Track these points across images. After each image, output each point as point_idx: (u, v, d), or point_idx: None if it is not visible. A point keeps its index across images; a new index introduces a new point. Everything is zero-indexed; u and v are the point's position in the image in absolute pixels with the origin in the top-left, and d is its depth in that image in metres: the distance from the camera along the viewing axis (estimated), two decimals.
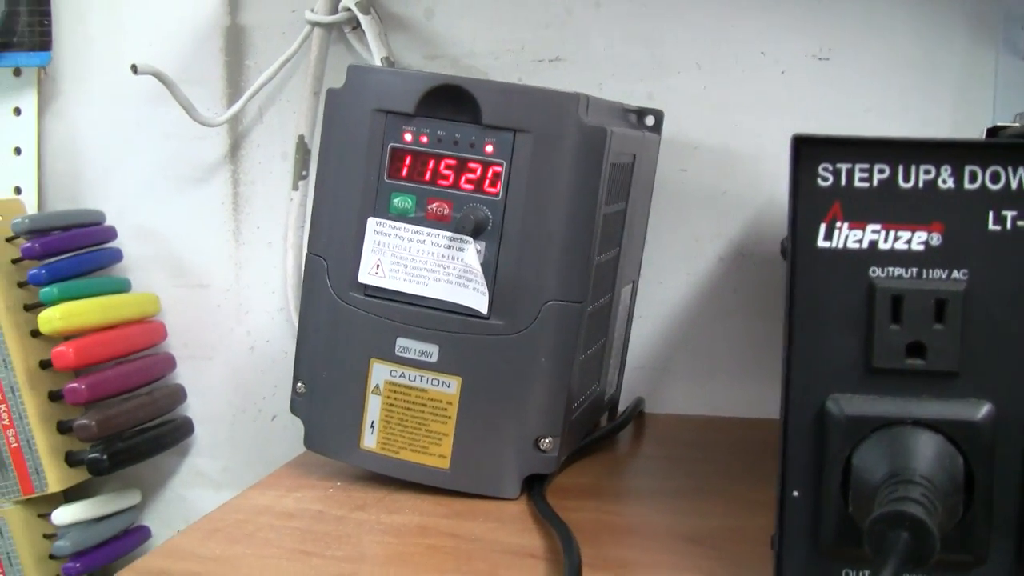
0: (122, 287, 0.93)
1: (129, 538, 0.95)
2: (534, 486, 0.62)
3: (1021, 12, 0.79)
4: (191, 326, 0.95)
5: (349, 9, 0.85)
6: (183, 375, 0.95)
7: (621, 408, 0.80)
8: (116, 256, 0.93)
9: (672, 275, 0.84)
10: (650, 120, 0.77)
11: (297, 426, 0.65)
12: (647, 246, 0.79)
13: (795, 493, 0.46)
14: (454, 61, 0.87)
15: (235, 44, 0.92)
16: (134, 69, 0.82)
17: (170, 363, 0.94)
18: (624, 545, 0.56)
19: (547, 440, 0.61)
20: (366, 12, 0.85)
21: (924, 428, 0.44)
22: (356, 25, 0.86)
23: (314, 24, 0.86)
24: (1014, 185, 0.43)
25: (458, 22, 0.87)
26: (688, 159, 0.83)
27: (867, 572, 0.46)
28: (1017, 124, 0.61)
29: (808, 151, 0.44)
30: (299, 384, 0.65)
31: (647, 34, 0.84)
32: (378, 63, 0.84)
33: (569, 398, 0.62)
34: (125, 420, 0.87)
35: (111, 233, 0.93)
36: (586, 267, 0.60)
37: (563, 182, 0.59)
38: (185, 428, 0.94)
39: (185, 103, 0.86)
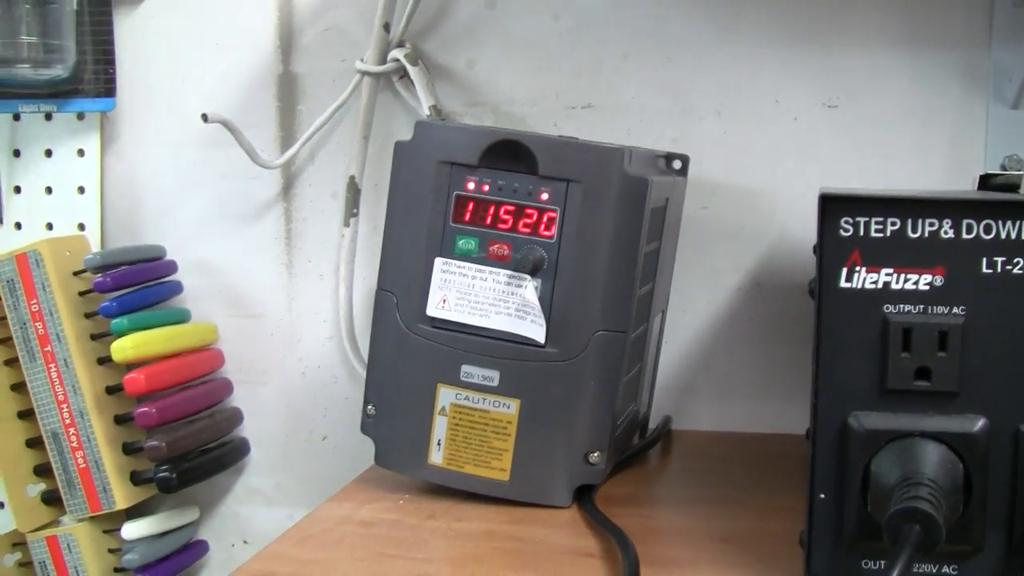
0: (183, 317, 1.00)
1: (189, 552, 1.01)
2: (584, 495, 0.70)
3: (1008, 64, 0.87)
4: (246, 353, 1.02)
5: (397, 60, 0.93)
6: (239, 399, 1.02)
7: (652, 426, 0.87)
8: (177, 288, 1.00)
9: (695, 304, 0.92)
10: (677, 164, 0.85)
11: (347, 446, 0.73)
12: (673, 278, 0.87)
13: (822, 496, 0.54)
14: (494, 108, 0.95)
15: (288, 91, 1.00)
16: (204, 118, 0.90)
17: (228, 388, 1.01)
18: (668, 545, 0.64)
19: (595, 454, 0.69)
20: (414, 63, 0.93)
21: (930, 439, 0.52)
22: (404, 74, 0.94)
23: (364, 73, 0.94)
24: (1003, 235, 0.52)
25: (498, 72, 0.95)
26: (710, 198, 0.91)
27: (882, 563, 0.54)
28: (1006, 171, 0.69)
29: (833, 206, 0.53)
30: (369, 407, 0.73)
31: (671, 83, 0.92)
32: (426, 111, 0.92)
33: (614, 417, 0.70)
34: (190, 441, 0.94)
35: (172, 267, 1.00)
36: (629, 301, 0.68)
37: (609, 226, 0.67)
38: (243, 448, 1.01)
39: (248, 148, 0.94)
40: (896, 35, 0.89)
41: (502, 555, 0.62)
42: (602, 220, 0.67)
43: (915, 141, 0.89)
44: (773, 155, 0.90)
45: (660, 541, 0.65)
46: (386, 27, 0.93)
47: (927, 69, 0.89)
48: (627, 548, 0.60)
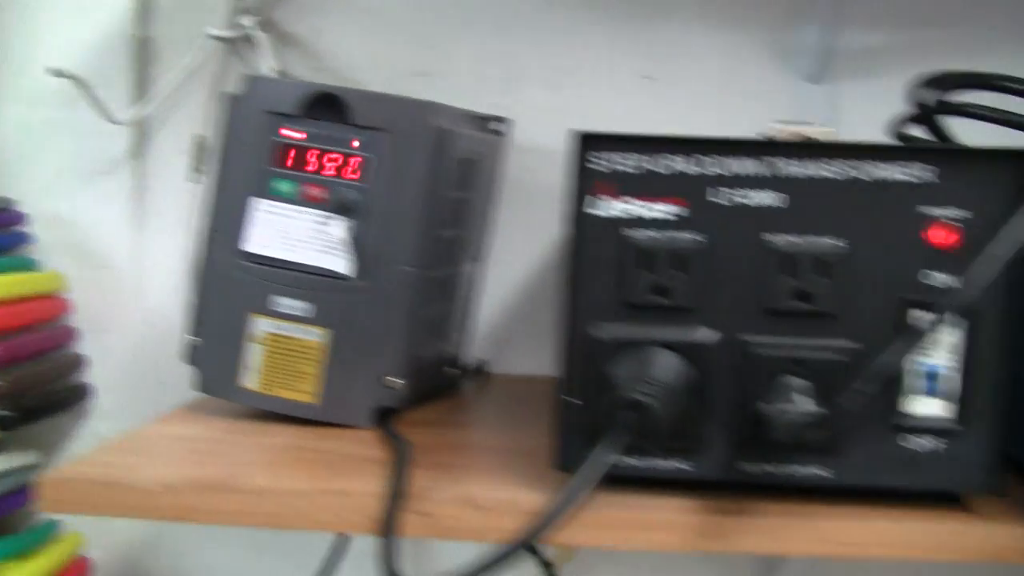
0: (28, 266, 1.04)
1: (24, 494, 1.04)
2: (385, 417, 0.76)
3: (811, 42, 0.96)
4: (95, 304, 1.06)
5: (245, 26, 0.99)
6: (89, 348, 1.06)
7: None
8: (24, 239, 1.04)
9: (517, 258, 1.00)
10: (495, 125, 0.91)
11: (192, 394, 0.78)
12: (501, 232, 0.94)
13: (570, 398, 0.61)
14: (336, 73, 1.01)
15: (143, 54, 1.05)
16: (57, 73, 0.94)
17: (71, 334, 1.05)
18: (448, 454, 0.71)
19: (394, 380, 0.76)
20: (261, 30, 0.98)
21: (663, 347, 0.59)
22: (252, 40, 1.00)
23: (214, 38, 1.00)
24: (728, 172, 0.59)
25: (342, 40, 1.01)
26: (535, 161, 0.98)
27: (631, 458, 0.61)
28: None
29: (585, 143, 0.60)
30: (191, 336, 0.78)
31: (504, 54, 0.99)
32: (270, 74, 0.98)
33: (412, 345, 0.76)
34: (31, 381, 0.98)
35: (19, 218, 1.04)
36: (430, 242, 0.75)
37: (414, 173, 0.74)
38: (85, 392, 1.05)
39: (98, 103, 0.98)
40: (709, 13, 0.97)
41: (300, 461, 0.68)
42: (408, 167, 0.74)
43: (725, 113, 0.97)
44: (594, 122, 0.96)
45: (442, 452, 0.71)
46: None
47: (737, 44, 0.97)
48: (403, 450, 0.66)
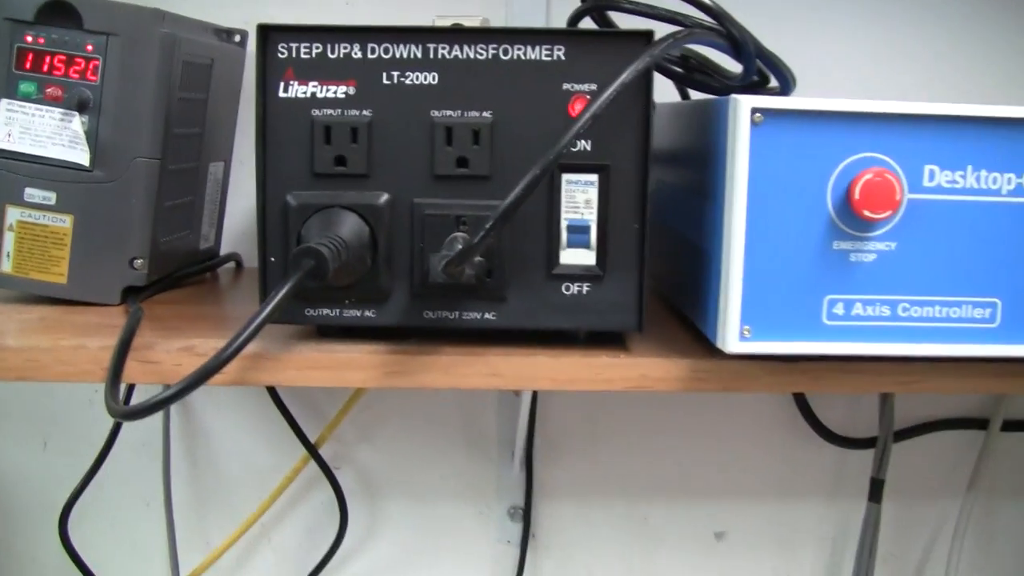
0: None
1: None
2: (131, 295, 0.85)
3: None
4: None
5: None
6: None
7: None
8: None
9: None
10: (237, 37, 1.00)
11: None
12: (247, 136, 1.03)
13: (272, 259, 0.71)
14: None
15: None
16: None
17: None
18: (182, 320, 0.80)
19: (139, 261, 0.85)
20: None
21: (347, 210, 0.70)
22: None
23: None
24: (396, 55, 0.70)
25: None
26: None
27: (323, 309, 0.72)
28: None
29: (270, 36, 0.70)
30: None
31: None
32: None
33: (155, 231, 0.85)
34: None
35: None
36: (165, 137, 0.84)
37: (145, 72, 0.82)
38: None
39: None
40: None
41: (47, 327, 0.76)
42: (137, 68, 0.82)
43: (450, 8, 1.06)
44: None
45: (176, 319, 0.80)
46: None
47: None
48: (135, 314, 0.75)
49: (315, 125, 0.70)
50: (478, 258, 0.67)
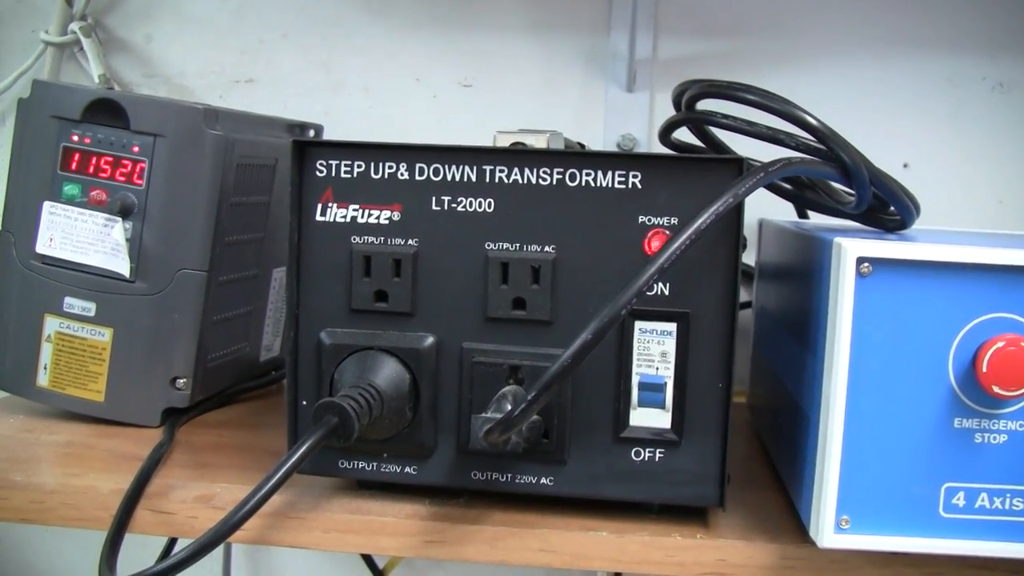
0: None
1: None
2: (174, 417, 0.78)
3: (623, 50, 0.98)
4: None
5: (75, 32, 1.00)
6: None
7: None
8: None
9: None
10: (312, 132, 0.93)
11: None
12: None
13: (303, 402, 0.63)
14: (167, 80, 1.03)
15: None
16: None
17: None
18: (216, 454, 0.73)
19: (181, 380, 0.77)
20: (87, 35, 1.00)
21: (385, 353, 0.61)
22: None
23: (47, 43, 1.02)
24: (448, 177, 0.61)
25: (171, 47, 1.03)
26: None
27: (359, 462, 0.63)
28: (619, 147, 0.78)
29: (308, 151, 0.62)
30: None
31: (325, 61, 1.01)
32: (96, 80, 0.99)
33: (201, 347, 0.78)
34: None
35: None
36: (210, 243, 0.76)
37: (194, 176, 0.76)
38: None
39: None
40: (527, 22, 0.99)
41: (63, 456, 0.70)
42: (185, 172, 0.75)
43: (542, 119, 0.98)
44: (413, 129, 0.99)
45: (209, 451, 0.73)
46: (69, 1, 1.00)
47: (554, 53, 0.99)
48: (156, 450, 0.68)
49: (354, 254, 0.61)
50: (534, 417, 0.57)
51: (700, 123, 0.70)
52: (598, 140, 0.98)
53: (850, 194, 0.69)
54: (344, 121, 0.98)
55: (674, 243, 0.54)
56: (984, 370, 0.54)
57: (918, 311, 0.55)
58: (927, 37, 0.97)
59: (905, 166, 0.97)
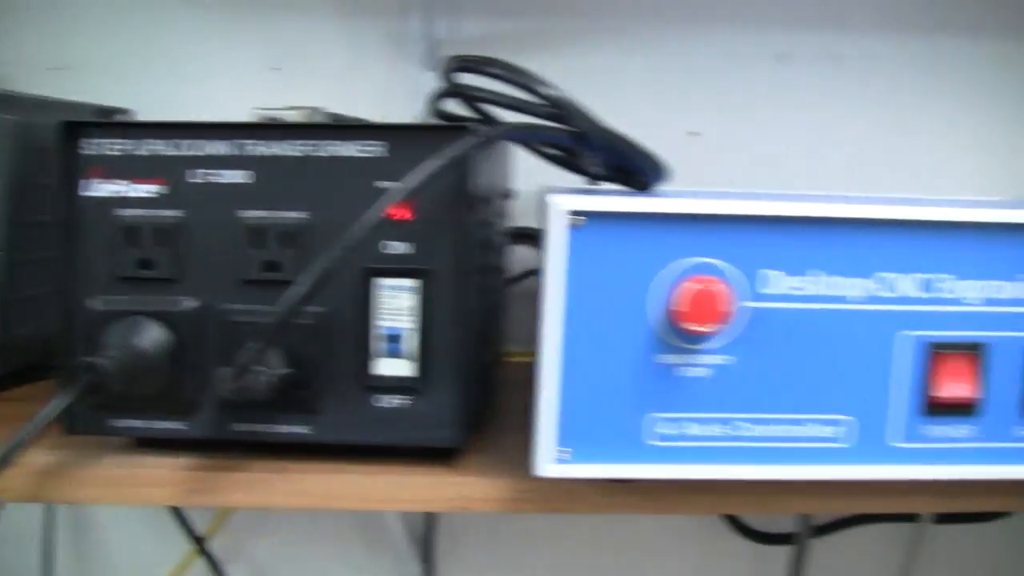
0: None
1: None
2: None
3: (424, 31, 1.03)
4: None
5: None
6: None
7: None
8: None
9: None
10: (120, 116, 0.97)
11: None
12: None
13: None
14: None
15: None
16: None
17: None
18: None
19: None
20: None
21: (150, 316, 0.66)
22: None
23: None
24: (203, 153, 0.66)
25: None
26: None
27: (129, 420, 0.67)
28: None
29: (73, 131, 0.66)
30: None
31: (135, 46, 1.05)
32: None
33: (3, 325, 0.81)
34: None
35: None
36: (19, 226, 0.80)
37: None
38: None
39: None
40: (333, 5, 1.03)
41: None
42: None
43: (350, 101, 1.02)
44: (221, 112, 1.01)
45: None
46: None
47: (359, 37, 1.04)
48: None
49: (118, 225, 0.66)
50: (285, 370, 0.62)
51: (454, 96, 0.75)
52: (406, 119, 1.03)
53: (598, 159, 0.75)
54: (152, 105, 1.01)
55: (383, 204, 0.60)
56: (674, 308, 0.60)
57: (623, 257, 0.61)
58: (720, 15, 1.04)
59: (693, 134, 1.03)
